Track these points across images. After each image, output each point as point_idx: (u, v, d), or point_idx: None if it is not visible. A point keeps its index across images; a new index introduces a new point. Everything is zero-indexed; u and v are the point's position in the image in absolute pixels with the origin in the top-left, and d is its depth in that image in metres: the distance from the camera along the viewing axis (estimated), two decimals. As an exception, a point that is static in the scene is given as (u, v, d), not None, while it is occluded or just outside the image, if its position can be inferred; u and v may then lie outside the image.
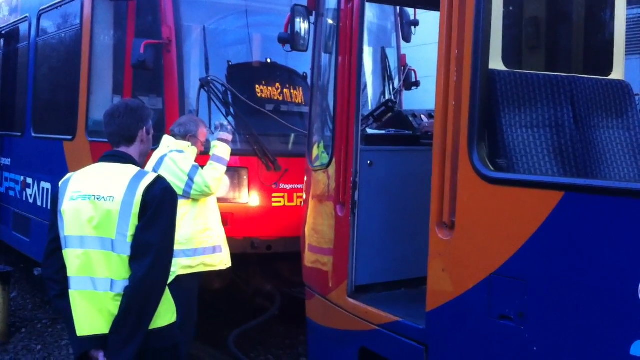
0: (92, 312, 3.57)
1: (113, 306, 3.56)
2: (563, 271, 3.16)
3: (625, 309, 2.88)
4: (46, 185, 8.86)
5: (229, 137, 6.04)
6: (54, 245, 3.74)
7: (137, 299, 3.53)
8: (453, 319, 3.74)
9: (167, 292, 3.76)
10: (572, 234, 3.12)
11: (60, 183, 3.79)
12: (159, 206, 3.58)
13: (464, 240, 3.66)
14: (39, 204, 9.04)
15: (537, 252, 3.26)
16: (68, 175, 3.81)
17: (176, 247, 5.42)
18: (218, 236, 5.88)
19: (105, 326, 3.57)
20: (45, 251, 3.82)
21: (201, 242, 5.73)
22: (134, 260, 3.55)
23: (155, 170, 5.43)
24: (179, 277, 5.55)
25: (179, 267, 5.59)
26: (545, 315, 3.24)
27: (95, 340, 3.58)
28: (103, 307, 3.56)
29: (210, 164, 5.82)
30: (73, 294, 3.62)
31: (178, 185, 5.54)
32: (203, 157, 5.98)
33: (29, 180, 9.47)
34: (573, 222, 3.11)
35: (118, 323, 3.54)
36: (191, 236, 5.68)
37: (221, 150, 5.92)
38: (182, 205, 5.58)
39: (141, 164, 3.88)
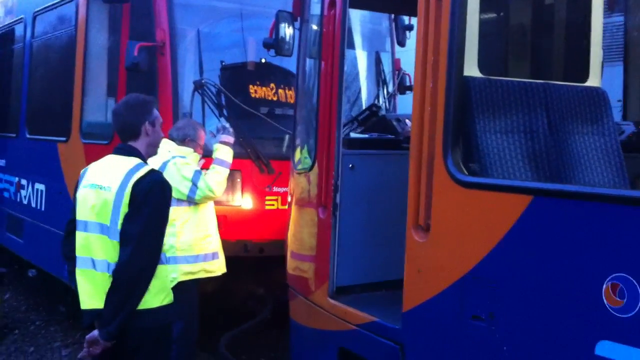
0: (92, 289, 3.92)
1: (108, 286, 3.88)
2: (531, 273, 3.22)
3: (591, 310, 2.94)
4: (40, 186, 8.89)
5: (231, 139, 5.98)
6: (71, 226, 4.09)
7: (121, 282, 3.84)
8: (427, 319, 3.80)
9: (161, 275, 4.01)
10: (539, 237, 3.18)
11: (81, 172, 4.13)
12: (144, 198, 3.84)
13: (439, 243, 3.73)
14: (33, 205, 9.06)
15: (506, 254, 3.33)
16: (88, 165, 4.15)
17: (177, 253, 5.55)
18: (217, 242, 5.86)
19: (102, 303, 3.89)
20: (64, 231, 4.17)
21: (201, 249, 5.69)
22: (120, 246, 3.85)
23: None
24: (180, 283, 5.52)
25: (181, 273, 5.57)
26: (514, 316, 3.31)
27: (96, 314, 3.92)
28: (100, 286, 3.89)
29: (213, 168, 5.77)
30: (78, 271, 3.98)
31: (182, 190, 5.52)
32: (205, 160, 5.98)
33: (24, 182, 9.51)
34: (541, 226, 3.17)
35: (106, 300, 3.86)
36: (192, 242, 5.63)
37: (223, 153, 5.88)
38: (184, 212, 5.60)
39: (152, 153, 4.17)
